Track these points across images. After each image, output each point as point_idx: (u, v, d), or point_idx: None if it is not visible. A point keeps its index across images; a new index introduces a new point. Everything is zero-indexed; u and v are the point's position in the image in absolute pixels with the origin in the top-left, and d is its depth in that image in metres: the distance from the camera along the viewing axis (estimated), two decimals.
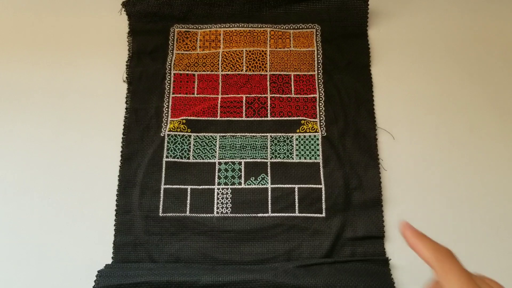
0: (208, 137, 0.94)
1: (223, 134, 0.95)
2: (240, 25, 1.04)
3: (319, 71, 1.00)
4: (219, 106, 0.97)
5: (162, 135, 0.94)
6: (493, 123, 0.96)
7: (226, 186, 0.90)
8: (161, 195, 0.90)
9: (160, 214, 0.88)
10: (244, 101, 0.97)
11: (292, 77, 1.00)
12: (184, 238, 0.86)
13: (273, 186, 0.90)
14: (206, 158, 0.93)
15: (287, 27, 1.04)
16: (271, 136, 0.94)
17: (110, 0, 1.05)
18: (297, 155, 0.93)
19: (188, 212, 0.88)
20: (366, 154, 0.92)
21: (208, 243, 0.86)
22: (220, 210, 0.89)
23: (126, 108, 0.96)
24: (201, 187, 0.90)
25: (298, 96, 0.98)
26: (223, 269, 0.82)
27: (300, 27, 1.04)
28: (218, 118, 0.96)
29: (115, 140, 0.94)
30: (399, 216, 0.88)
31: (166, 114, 0.96)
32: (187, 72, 1.00)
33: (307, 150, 0.93)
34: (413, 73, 1.01)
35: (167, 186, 0.90)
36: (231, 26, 1.04)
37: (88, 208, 0.89)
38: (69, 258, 0.85)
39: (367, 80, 0.99)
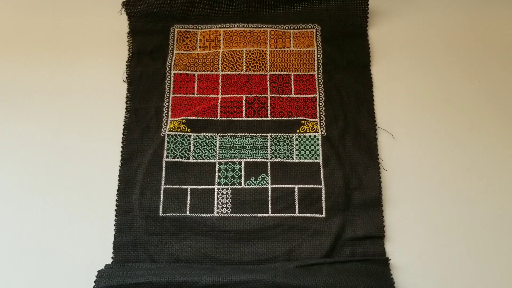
0: (208, 137, 0.94)
1: (223, 134, 0.95)
2: (240, 25, 1.04)
3: (319, 71, 1.00)
4: (219, 106, 0.97)
5: (162, 135, 0.94)
6: (493, 123, 0.96)
7: (226, 186, 0.90)
8: (161, 195, 0.90)
9: (160, 214, 0.88)
10: (244, 101, 0.97)
11: (292, 77, 1.00)
12: (184, 238, 0.87)
13: (273, 186, 0.90)
14: (206, 158, 0.93)
15: (287, 27, 1.04)
16: (271, 136, 0.94)
17: (110, 0, 1.05)
18: (297, 155, 0.93)
19: (188, 212, 0.88)
20: (366, 154, 0.92)
21: (208, 243, 0.86)
22: (220, 210, 0.89)
23: (126, 108, 0.96)
24: (201, 187, 0.90)
25: (298, 96, 0.98)
26: (223, 269, 0.82)
27: (300, 27, 1.04)
28: (218, 118, 0.96)
29: (115, 140, 0.94)
30: (399, 216, 0.88)
31: (166, 114, 0.96)
32: (187, 72, 1.00)
33: (307, 150, 0.93)
34: (413, 73, 1.01)
35: (167, 186, 0.90)
36: (231, 26, 1.04)
37: (88, 208, 0.89)
38: (69, 258, 0.85)
39: (367, 80, 0.99)
